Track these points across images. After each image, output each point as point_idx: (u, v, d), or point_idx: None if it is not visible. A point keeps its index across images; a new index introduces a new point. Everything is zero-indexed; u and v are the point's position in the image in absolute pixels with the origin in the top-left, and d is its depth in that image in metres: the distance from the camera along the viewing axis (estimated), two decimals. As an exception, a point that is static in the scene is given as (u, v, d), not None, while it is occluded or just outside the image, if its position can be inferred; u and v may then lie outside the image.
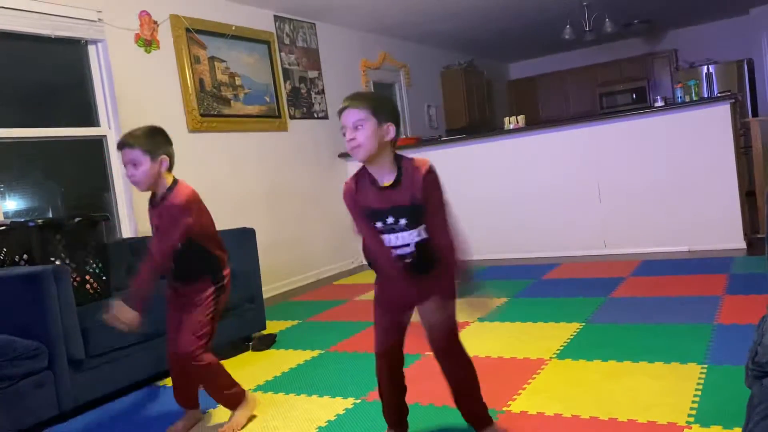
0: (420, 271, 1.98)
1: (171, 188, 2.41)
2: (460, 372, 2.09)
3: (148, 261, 2.38)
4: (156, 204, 2.45)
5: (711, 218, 4.98)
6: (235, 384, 2.58)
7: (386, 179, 1.94)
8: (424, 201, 1.91)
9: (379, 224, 1.96)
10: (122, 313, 2.32)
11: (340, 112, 1.92)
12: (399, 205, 1.92)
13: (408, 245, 1.96)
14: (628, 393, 2.39)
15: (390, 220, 1.94)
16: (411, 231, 1.94)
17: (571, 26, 7.44)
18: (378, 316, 2.11)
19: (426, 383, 2.56)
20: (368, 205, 1.96)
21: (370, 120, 1.88)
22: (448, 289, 2.00)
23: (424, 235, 1.95)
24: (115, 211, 4.36)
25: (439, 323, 1.99)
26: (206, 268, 2.50)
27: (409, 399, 2.18)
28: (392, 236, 1.96)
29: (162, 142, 2.41)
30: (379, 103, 1.93)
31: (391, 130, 1.91)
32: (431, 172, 1.92)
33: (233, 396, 2.57)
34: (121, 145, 2.38)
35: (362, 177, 1.99)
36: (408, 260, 1.97)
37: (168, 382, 3.24)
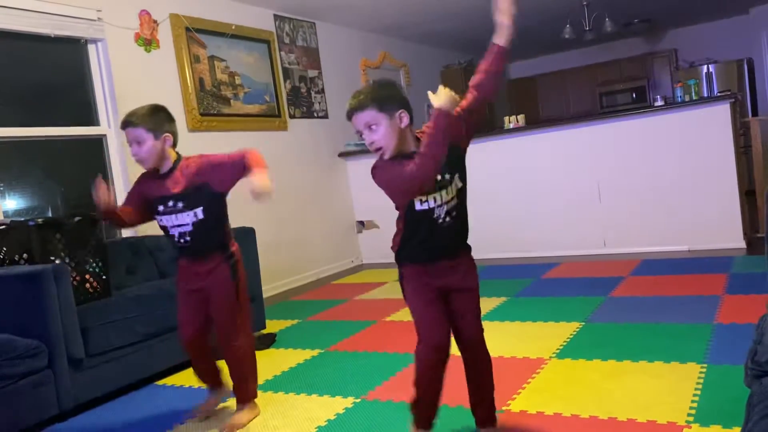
0: (454, 246, 2.02)
1: (177, 163, 2.43)
2: (488, 366, 2.17)
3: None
4: (165, 176, 2.44)
5: (711, 218, 4.98)
6: (256, 379, 2.63)
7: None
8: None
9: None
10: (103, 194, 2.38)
11: (349, 116, 1.88)
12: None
13: (442, 206, 1.93)
14: (627, 392, 2.39)
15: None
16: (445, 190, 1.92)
17: (571, 26, 7.43)
18: (421, 307, 2.03)
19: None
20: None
21: (380, 117, 1.82)
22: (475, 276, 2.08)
23: (460, 185, 1.95)
24: (115, 211, 4.35)
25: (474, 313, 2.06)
26: (219, 241, 2.51)
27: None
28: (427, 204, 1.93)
29: (164, 119, 2.45)
30: (384, 95, 1.86)
31: (404, 117, 1.85)
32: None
33: (251, 390, 2.60)
34: (125, 124, 2.41)
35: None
36: (447, 222, 1.95)
37: (168, 381, 3.24)
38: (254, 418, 2.60)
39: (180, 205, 2.41)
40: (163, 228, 2.49)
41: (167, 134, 2.41)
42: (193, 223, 2.43)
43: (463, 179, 1.97)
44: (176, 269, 2.59)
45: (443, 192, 1.92)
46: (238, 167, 2.38)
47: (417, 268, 2.02)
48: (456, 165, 1.94)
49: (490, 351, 3.11)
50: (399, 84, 2.00)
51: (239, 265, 2.57)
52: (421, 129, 1.89)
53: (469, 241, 2.08)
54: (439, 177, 1.90)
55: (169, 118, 2.48)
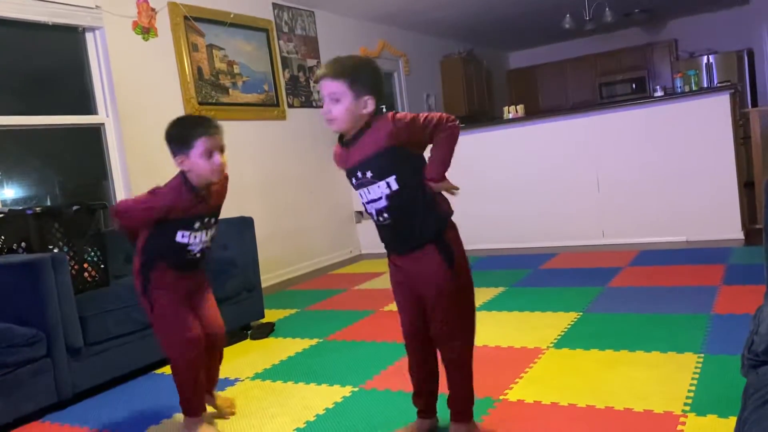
0: (402, 237, 1.93)
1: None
2: (453, 365, 2.03)
3: None
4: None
5: (709, 209, 4.99)
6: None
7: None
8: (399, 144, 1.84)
9: (353, 181, 1.95)
10: None
11: (317, 79, 1.87)
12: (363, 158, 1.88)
13: (380, 198, 1.89)
14: (624, 382, 2.40)
15: (359, 174, 1.92)
16: (379, 183, 1.87)
17: (571, 15, 7.41)
18: (395, 295, 2.08)
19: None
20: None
21: (346, 93, 1.82)
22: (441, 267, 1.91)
23: (395, 186, 1.86)
24: (113, 199, 4.35)
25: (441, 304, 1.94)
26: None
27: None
28: (363, 191, 1.92)
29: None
30: (358, 73, 1.85)
31: (369, 103, 1.85)
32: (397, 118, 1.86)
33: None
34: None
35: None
36: (384, 219, 1.91)
37: (166, 370, 3.25)
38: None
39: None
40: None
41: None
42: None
43: (402, 182, 1.87)
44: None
45: (366, 189, 1.91)
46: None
47: (389, 257, 2.07)
48: (389, 168, 1.87)
49: (487, 341, 3.13)
50: (379, 68, 1.98)
51: None
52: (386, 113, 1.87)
53: (458, 234, 2.02)
54: (359, 173, 1.90)
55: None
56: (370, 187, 1.89)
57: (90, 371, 2.90)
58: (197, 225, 2.31)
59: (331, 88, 1.84)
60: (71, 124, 4.22)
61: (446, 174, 1.87)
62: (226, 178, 2.40)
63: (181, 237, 2.30)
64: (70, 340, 2.78)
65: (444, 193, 1.94)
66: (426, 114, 1.84)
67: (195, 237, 2.32)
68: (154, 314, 2.34)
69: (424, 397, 2.12)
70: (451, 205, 1.98)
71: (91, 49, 4.33)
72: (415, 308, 2.01)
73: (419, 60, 8.07)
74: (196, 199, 2.27)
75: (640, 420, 2.08)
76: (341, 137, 1.97)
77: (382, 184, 1.86)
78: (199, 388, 2.37)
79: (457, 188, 1.89)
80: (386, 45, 7.41)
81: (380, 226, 1.97)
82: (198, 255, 2.38)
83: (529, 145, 5.67)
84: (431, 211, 1.91)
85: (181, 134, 2.25)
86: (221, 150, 2.25)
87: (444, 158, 1.85)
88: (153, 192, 2.28)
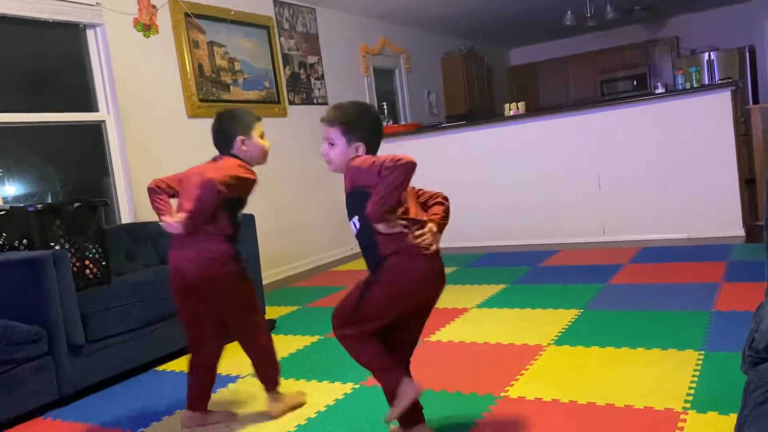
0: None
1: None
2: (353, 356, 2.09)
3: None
4: None
5: (710, 205, 4.98)
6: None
7: None
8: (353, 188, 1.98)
9: None
10: None
11: (322, 121, 2.04)
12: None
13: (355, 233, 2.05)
14: (625, 379, 2.41)
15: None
16: (351, 220, 2.04)
17: (572, 12, 7.40)
18: None
19: (429, 368, 2.58)
20: None
21: (340, 139, 2.00)
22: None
23: (358, 226, 2.01)
24: (114, 197, 4.35)
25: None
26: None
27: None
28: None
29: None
30: (353, 121, 2.00)
31: (360, 149, 2.00)
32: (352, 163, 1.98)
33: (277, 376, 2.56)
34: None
35: None
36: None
37: (167, 367, 3.26)
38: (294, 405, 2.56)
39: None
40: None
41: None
42: None
43: (362, 223, 2.00)
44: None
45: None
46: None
47: None
48: (350, 209, 2.03)
49: (488, 338, 3.13)
50: (378, 116, 2.12)
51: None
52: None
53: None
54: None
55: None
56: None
57: (91, 368, 2.91)
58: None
59: (327, 133, 2.03)
60: (72, 121, 4.22)
61: (384, 212, 1.89)
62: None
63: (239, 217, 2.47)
64: (71, 337, 2.79)
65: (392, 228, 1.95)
66: (382, 156, 1.92)
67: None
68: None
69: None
70: (393, 247, 1.97)
71: (92, 46, 4.33)
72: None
73: (420, 57, 8.06)
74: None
75: (640, 417, 2.08)
76: None
77: (352, 222, 2.03)
78: None
79: (395, 229, 1.92)
80: (387, 42, 7.40)
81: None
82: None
83: (530, 142, 5.67)
84: (372, 252, 2.01)
85: (244, 119, 2.47)
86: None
87: (381, 193, 1.87)
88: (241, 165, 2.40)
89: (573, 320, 3.25)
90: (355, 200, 1.99)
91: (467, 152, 5.92)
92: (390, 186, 1.86)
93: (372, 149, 2.02)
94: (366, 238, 2.00)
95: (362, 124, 2.02)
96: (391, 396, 2.02)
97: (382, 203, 1.87)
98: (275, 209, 5.52)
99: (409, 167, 1.86)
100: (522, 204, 5.73)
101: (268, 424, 2.41)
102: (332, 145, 2.02)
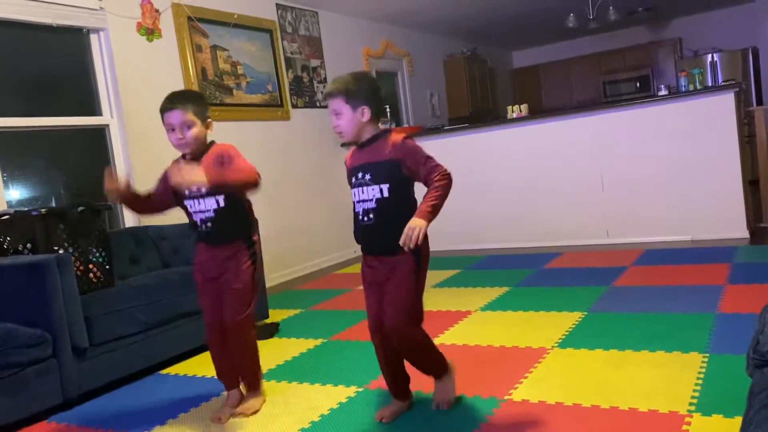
0: (379, 239, 2.15)
1: (209, 147, 2.56)
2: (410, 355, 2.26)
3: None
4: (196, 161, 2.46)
5: (714, 207, 4.97)
6: (260, 366, 2.66)
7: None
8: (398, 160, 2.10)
9: (353, 179, 2.20)
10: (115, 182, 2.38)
11: (324, 98, 2.10)
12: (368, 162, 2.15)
13: (371, 200, 2.13)
14: (629, 382, 2.40)
15: (359, 175, 2.17)
16: (374, 186, 2.13)
17: (574, 14, 7.40)
18: (367, 296, 2.31)
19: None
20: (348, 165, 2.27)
21: (345, 107, 2.13)
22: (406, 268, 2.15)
23: (386, 194, 2.11)
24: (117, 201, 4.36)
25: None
26: (242, 229, 2.53)
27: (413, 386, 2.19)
28: (357, 190, 2.17)
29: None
30: (352, 88, 2.12)
31: (365, 112, 2.13)
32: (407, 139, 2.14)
33: (258, 376, 2.63)
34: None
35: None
36: (369, 219, 2.14)
37: (172, 370, 3.26)
38: (263, 401, 2.63)
39: (204, 189, 2.41)
40: (187, 213, 2.52)
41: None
42: (215, 210, 2.44)
43: (393, 192, 2.12)
44: (194, 255, 2.59)
45: (360, 189, 2.16)
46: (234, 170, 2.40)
47: (364, 259, 2.30)
48: (386, 176, 2.12)
49: (492, 341, 3.14)
50: (374, 79, 2.28)
51: (258, 257, 2.58)
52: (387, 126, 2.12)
53: (445, 238, 2.19)
54: (360, 174, 2.16)
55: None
56: (365, 188, 2.15)
57: (95, 372, 2.91)
58: (188, 193, 2.47)
59: (332, 105, 2.15)
60: (76, 125, 4.23)
61: (429, 220, 2.01)
62: (224, 146, 2.58)
63: (187, 205, 2.52)
64: (75, 340, 2.79)
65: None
66: (430, 156, 2.10)
67: (191, 206, 2.49)
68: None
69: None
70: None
71: (96, 51, 4.34)
72: (380, 305, 2.22)
73: (423, 59, 8.07)
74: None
75: (645, 420, 2.08)
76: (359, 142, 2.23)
77: (376, 188, 2.12)
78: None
79: (419, 242, 2.00)
80: (389, 44, 7.41)
81: (362, 227, 2.19)
82: (205, 228, 2.47)
83: (533, 144, 5.66)
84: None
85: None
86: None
87: (436, 201, 2.02)
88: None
89: (577, 323, 3.24)
90: (391, 169, 2.10)
91: (470, 155, 5.92)
92: (447, 192, 2.04)
93: (377, 111, 2.15)
94: (396, 208, 2.10)
95: (361, 89, 2.14)
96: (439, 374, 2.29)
97: (437, 209, 2.02)
98: (278, 212, 5.53)
99: (451, 184, 2.05)
100: (525, 206, 5.73)
101: (270, 428, 2.41)
102: (339, 115, 2.13)
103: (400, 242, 1.98)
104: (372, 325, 2.28)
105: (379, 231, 2.15)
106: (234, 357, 2.56)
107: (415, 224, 1.98)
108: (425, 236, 2.07)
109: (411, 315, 2.16)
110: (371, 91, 2.16)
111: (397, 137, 2.15)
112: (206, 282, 2.54)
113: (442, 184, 2.04)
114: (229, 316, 2.48)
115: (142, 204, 2.54)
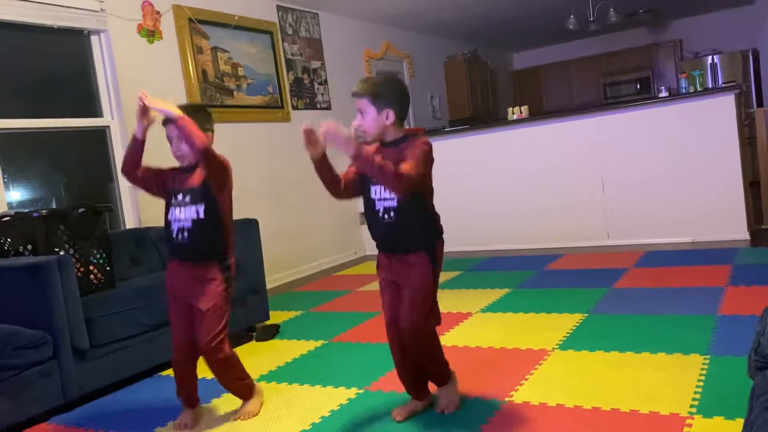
0: (399, 237, 2.20)
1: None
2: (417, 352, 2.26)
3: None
4: (189, 170, 2.47)
5: (715, 209, 4.97)
6: (247, 375, 2.61)
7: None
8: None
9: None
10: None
11: (352, 95, 2.19)
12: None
13: (392, 198, 2.17)
14: (630, 383, 2.40)
15: None
16: None
17: (575, 16, 7.40)
18: (383, 293, 2.32)
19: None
20: None
21: (370, 108, 2.16)
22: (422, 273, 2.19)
23: (394, 205, 2.17)
24: (119, 202, 4.36)
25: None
26: (217, 248, 2.45)
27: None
28: (378, 188, 2.22)
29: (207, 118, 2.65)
30: (379, 90, 2.16)
31: (390, 115, 2.16)
32: (426, 144, 2.18)
33: (247, 387, 2.60)
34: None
35: None
36: (390, 218, 2.19)
37: (172, 372, 3.25)
38: (262, 402, 2.63)
39: (188, 198, 2.40)
40: (166, 223, 2.47)
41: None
42: (193, 221, 2.39)
43: (415, 193, 2.15)
44: (165, 274, 2.55)
45: (380, 188, 2.20)
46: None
47: (378, 255, 2.35)
48: None
49: (493, 342, 3.14)
50: (402, 83, 2.31)
51: (232, 281, 2.52)
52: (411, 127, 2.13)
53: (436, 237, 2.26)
54: None
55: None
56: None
57: (96, 373, 2.91)
58: (173, 201, 2.48)
59: (359, 103, 2.19)
60: (77, 126, 4.23)
61: (354, 158, 2.06)
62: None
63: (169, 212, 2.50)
64: (76, 342, 2.79)
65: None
66: (420, 164, 2.10)
67: (172, 213, 2.47)
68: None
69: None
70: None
71: (96, 52, 4.35)
72: (398, 302, 2.25)
73: (423, 61, 8.07)
74: (181, 175, 2.51)
75: (646, 422, 2.07)
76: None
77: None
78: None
79: (319, 147, 2.21)
80: (390, 46, 7.41)
81: (382, 225, 2.22)
82: (180, 239, 2.42)
83: (534, 145, 5.67)
84: (429, 225, 2.24)
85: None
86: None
87: (381, 166, 2.00)
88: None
89: (577, 324, 3.24)
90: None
91: (471, 156, 5.92)
92: (383, 177, 2.03)
93: (401, 114, 2.19)
94: (418, 207, 2.17)
95: (388, 92, 2.17)
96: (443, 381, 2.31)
97: (369, 163, 2.03)
98: (279, 214, 5.53)
99: (396, 184, 2.03)
100: (526, 208, 5.73)
101: (271, 429, 2.41)
102: (363, 114, 2.17)
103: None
104: (389, 320, 2.29)
105: (399, 229, 2.19)
106: (216, 376, 2.54)
107: (340, 130, 1.98)
108: (441, 240, 2.22)
109: (427, 315, 2.19)
110: (398, 95, 2.20)
111: (423, 141, 2.18)
112: (177, 302, 2.49)
113: (397, 173, 1.99)
114: (201, 341, 2.42)
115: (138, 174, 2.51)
